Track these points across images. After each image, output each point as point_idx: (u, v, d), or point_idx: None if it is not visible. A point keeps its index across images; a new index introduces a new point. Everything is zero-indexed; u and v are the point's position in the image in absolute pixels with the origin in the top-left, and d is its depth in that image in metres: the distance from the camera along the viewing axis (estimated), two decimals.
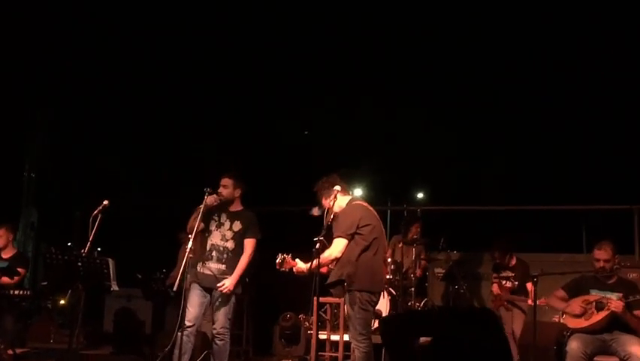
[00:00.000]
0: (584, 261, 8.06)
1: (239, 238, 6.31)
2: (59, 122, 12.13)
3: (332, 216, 5.64)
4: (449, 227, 9.69)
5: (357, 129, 11.70)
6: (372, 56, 10.94)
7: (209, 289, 6.24)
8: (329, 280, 5.63)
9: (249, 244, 6.32)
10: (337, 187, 5.71)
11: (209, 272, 6.23)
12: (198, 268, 6.33)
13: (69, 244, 9.73)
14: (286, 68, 11.27)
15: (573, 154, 10.72)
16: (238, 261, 6.26)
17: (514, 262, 8.43)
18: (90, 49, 10.84)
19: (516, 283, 8.22)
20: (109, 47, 10.92)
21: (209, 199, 6.22)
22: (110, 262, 5.81)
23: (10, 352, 7.33)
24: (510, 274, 8.36)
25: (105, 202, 6.15)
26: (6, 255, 7.75)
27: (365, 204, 5.78)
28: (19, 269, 7.54)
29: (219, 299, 6.23)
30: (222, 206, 6.35)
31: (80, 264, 5.84)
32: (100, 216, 6.08)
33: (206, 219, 6.37)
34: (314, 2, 10.10)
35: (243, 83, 12.06)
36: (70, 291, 6.98)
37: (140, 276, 8.99)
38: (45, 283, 9.31)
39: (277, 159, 11.71)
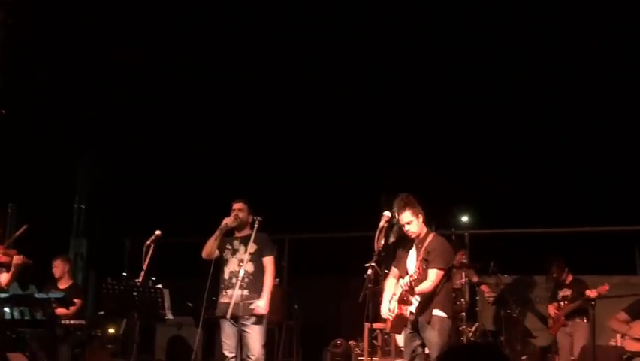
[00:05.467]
0: (639, 283, 7.88)
1: (257, 259, 6.32)
2: (109, 151, 12.34)
3: (390, 242, 5.66)
4: (498, 250, 9.56)
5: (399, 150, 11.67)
6: (418, 79, 10.98)
7: (235, 317, 6.16)
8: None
9: (269, 262, 6.36)
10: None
11: (228, 300, 6.14)
12: (220, 299, 6.36)
13: (124, 273, 9.86)
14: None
15: (624, 173, 10.52)
16: (259, 283, 6.26)
17: (571, 278, 8.28)
18: (143, 81, 11.04)
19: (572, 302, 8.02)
20: (164, 78, 11.12)
21: (229, 220, 6.35)
22: (165, 291, 5.89)
23: None
24: (567, 292, 8.19)
25: (158, 232, 6.28)
26: (62, 285, 7.93)
27: None
28: (74, 300, 7.68)
29: (250, 326, 6.21)
30: (233, 233, 6.45)
31: (135, 293, 5.94)
32: (153, 245, 6.20)
33: (221, 246, 6.44)
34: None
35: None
36: (125, 320, 7.08)
37: (190, 304, 9.05)
38: (102, 312, 9.44)
39: (326, 186, 11.74)
